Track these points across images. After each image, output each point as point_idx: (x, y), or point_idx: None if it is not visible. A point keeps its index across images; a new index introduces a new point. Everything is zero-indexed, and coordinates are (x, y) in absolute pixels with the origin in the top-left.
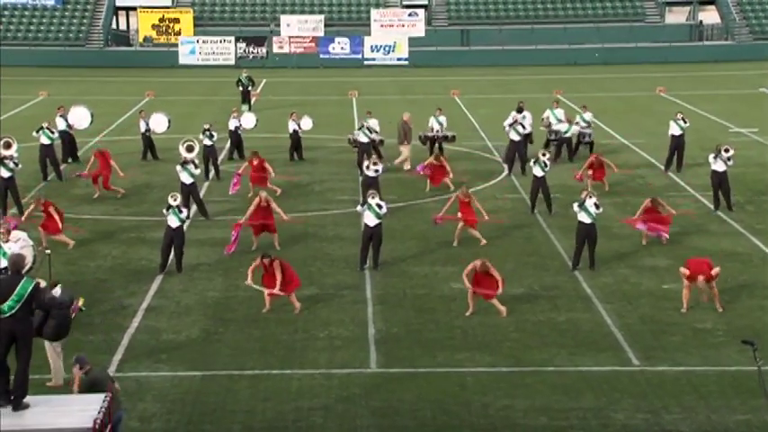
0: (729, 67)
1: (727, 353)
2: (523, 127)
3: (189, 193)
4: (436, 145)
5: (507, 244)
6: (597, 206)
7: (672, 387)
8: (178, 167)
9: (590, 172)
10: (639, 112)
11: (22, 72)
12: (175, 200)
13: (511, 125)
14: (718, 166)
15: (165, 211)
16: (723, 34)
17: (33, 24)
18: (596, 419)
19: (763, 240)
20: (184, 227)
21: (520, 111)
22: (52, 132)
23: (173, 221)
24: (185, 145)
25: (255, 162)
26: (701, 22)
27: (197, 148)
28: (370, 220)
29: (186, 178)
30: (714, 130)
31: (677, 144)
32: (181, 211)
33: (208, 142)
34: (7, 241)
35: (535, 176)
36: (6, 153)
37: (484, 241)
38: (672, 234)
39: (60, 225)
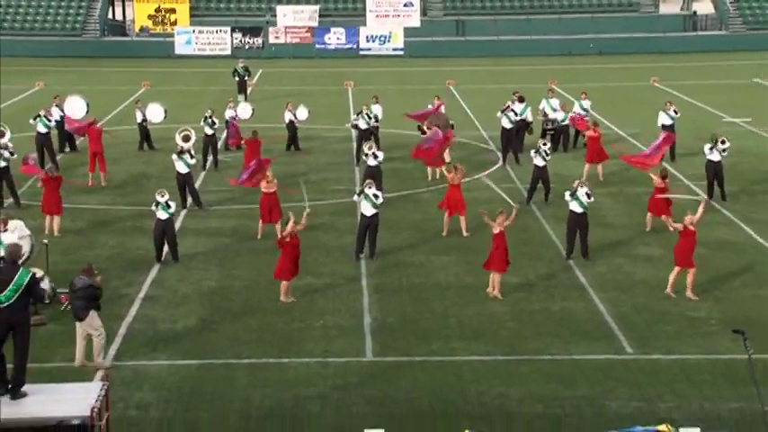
0: (723, 57)
1: (721, 341)
2: (516, 113)
3: (184, 182)
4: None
5: None
6: (589, 195)
7: (665, 375)
8: (174, 156)
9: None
10: (634, 102)
11: (18, 62)
12: (163, 196)
13: (503, 111)
14: (714, 156)
15: (153, 207)
16: (717, 24)
17: (30, 15)
18: (591, 408)
19: (756, 230)
20: (174, 218)
21: (521, 100)
22: (49, 120)
23: (162, 214)
24: (182, 134)
25: (252, 142)
26: (695, 12)
27: (194, 138)
28: (366, 209)
29: (182, 168)
30: (708, 120)
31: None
32: (169, 206)
33: (209, 131)
34: (5, 230)
35: (536, 166)
36: (0, 142)
37: (468, 232)
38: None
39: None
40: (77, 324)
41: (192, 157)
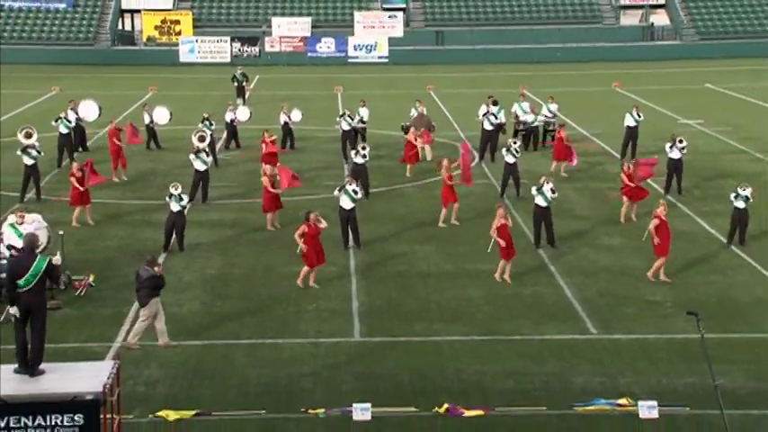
0: (678, 64)
1: (676, 322)
2: (495, 117)
3: (200, 179)
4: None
5: (479, 225)
6: (553, 191)
7: (626, 354)
8: (191, 156)
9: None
10: (597, 105)
11: (36, 69)
12: (176, 189)
13: (484, 115)
14: (674, 154)
15: (167, 198)
16: (672, 35)
17: (47, 26)
18: (558, 383)
19: (708, 221)
20: (185, 211)
21: (495, 104)
22: (69, 122)
23: (174, 207)
24: (197, 135)
25: (268, 140)
26: (652, 23)
27: (208, 139)
28: (345, 203)
29: (200, 166)
30: (664, 122)
31: (631, 135)
32: (182, 199)
33: (206, 131)
34: (22, 224)
35: (507, 163)
36: (28, 142)
37: (444, 223)
38: (626, 215)
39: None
40: (142, 310)
41: (207, 155)
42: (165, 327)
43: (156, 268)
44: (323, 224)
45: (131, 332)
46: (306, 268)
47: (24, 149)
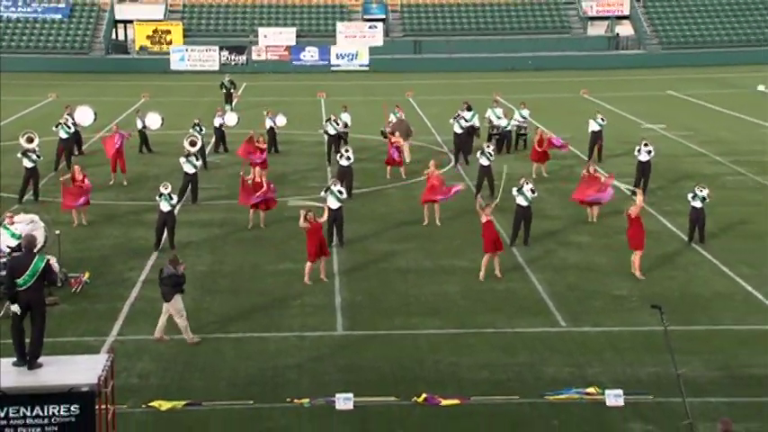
0: (642, 72)
1: (640, 316)
2: (466, 120)
3: (189, 182)
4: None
5: (455, 224)
6: (533, 191)
7: (594, 345)
8: (182, 159)
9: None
10: (566, 110)
11: (34, 77)
12: (166, 188)
13: (455, 118)
14: (642, 157)
15: (157, 197)
16: (636, 45)
17: (43, 35)
18: (530, 373)
19: (670, 220)
20: (175, 211)
21: (469, 109)
22: (69, 127)
23: (164, 206)
24: (189, 140)
25: (256, 143)
26: (617, 34)
27: (199, 143)
28: (332, 203)
29: (189, 169)
30: (629, 127)
31: (596, 139)
32: (171, 198)
33: (198, 136)
34: (12, 224)
35: (481, 165)
36: (29, 146)
37: (426, 222)
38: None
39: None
40: (164, 304)
41: (197, 158)
42: (166, 324)
43: (178, 267)
44: (322, 219)
45: (183, 332)
46: (309, 264)
47: (25, 153)
